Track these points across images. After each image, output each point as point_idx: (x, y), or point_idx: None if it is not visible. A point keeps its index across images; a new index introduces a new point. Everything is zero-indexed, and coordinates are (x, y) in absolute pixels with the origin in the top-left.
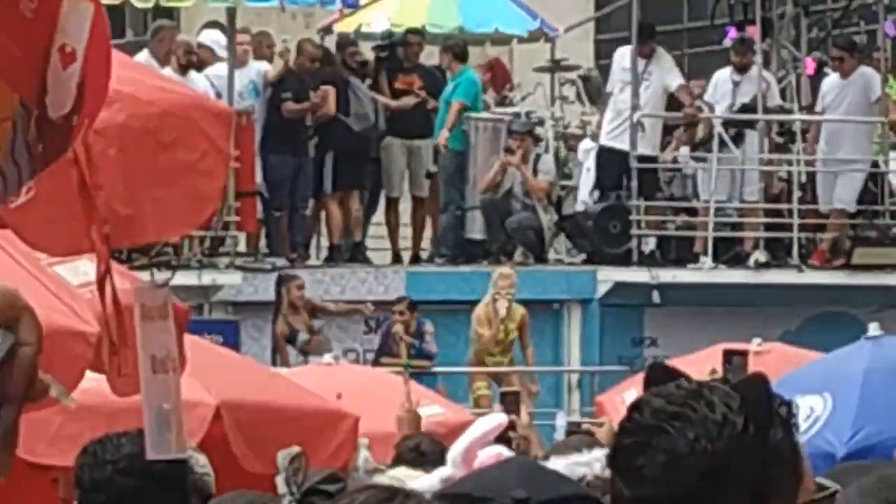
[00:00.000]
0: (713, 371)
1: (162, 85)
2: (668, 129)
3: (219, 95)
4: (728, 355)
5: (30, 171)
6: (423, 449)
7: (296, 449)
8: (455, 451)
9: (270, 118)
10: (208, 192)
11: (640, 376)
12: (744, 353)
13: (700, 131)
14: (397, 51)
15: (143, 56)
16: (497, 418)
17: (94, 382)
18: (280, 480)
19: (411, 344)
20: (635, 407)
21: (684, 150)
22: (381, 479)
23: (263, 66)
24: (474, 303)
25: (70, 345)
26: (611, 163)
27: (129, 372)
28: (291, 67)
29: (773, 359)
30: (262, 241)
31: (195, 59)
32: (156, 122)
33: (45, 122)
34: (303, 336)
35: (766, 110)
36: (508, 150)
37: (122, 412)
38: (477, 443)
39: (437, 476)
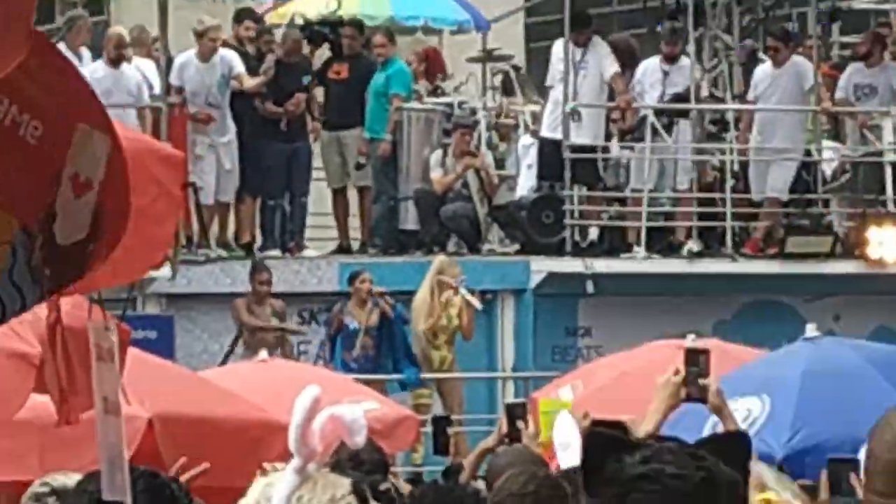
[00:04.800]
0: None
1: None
2: (615, 120)
3: (151, 88)
4: (690, 354)
5: (35, 296)
6: (362, 457)
7: None
8: (292, 442)
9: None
10: (160, 237)
11: (576, 370)
12: (706, 352)
13: (628, 119)
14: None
15: (61, 48)
16: (309, 392)
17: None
18: None
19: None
20: None
21: (615, 140)
22: (257, 481)
23: (232, 57)
24: (408, 293)
25: (13, 366)
26: (551, 153)
27: (78, 420)
28: (281, 58)
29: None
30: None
31: (127, 53)
32: None
33: (54, 247)
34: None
35: (699, 99)
36: (471, 153)
37: (53, 427)
38: (305, 426)
39: (289, 470)
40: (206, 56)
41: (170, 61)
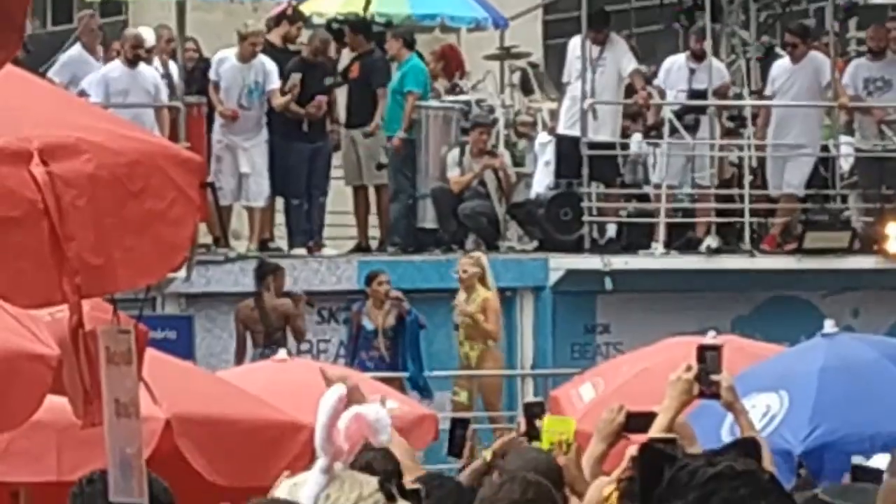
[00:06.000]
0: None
1: (130, 133)
2: (632, 116)
3: (170, 87)
4: (702, 351)
5: None
6: (374, 467)
7: None
8: (318, 441)
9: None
10: (178, 241)
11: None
12: (717, 349)
13: (650, 117)
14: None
15: (76, 50)
16: (334, 391)
17: (45, 400)
18: None
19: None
20: None
21: (636, 136)
22: (281, 481)
23: (269, 64)
24: (426, 291)
25: (30, 368)
26: (569, 151)
27: (102, 421)
28: (306, 58)
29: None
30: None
31: (143, 53)
32: (124, 171)
33: None
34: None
35: (717, 95)
36: (490, 153)
37: (72, 427)
38: (331, 425)
39: (316, 469)
40: (245, 58)
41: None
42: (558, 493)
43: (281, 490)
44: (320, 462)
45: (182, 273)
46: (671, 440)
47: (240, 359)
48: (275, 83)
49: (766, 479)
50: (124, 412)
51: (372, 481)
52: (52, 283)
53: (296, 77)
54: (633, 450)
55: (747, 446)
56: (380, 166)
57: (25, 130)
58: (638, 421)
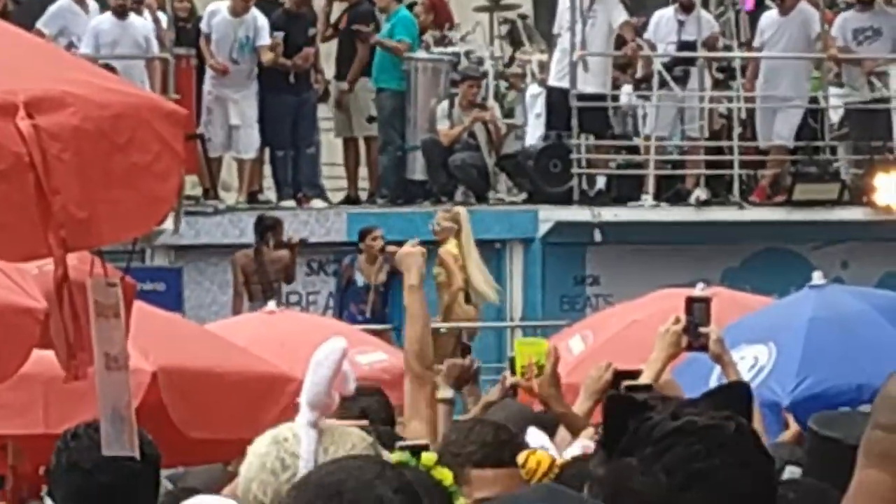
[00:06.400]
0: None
1: (115, 86)
2: (622, 67)
3: (159, 39)
4: (690, 303)
5: None
6: (369, 414)
7: None
8: (312, 396)
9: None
10: (163, 194)
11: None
12: (706, 301)
13: (640, 70)
14: None
15: (66, 1)
16: (336, 343)
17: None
18: None
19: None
20: None
21: (626, 88)
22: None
23: (261, 19)
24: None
25: (17, 321)
26: (559, 103)
27: (86, 375)
28: (289, 9)
29: (718, 303)
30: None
31: (130, 3)
32: (109, 124)
33: None
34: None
35: (706, 47)
36: (480, 105)
37: (59, 380)
38: (335, 378)
39: (305, 425)
40: (237, 12)
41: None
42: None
43: (265, 445)
44: (309, 416)
45: (169, 225)
46: (647, 387)
47: (238, 308)
48: (265, 39)
49: (730, 431)
50: (114, 365)
51: (356, 431)
52: (37, 236)
53: (278, 36)
54: None
55: (736, 391)
56: (370, 119)
57: (11, 84)
58: (626, 378)
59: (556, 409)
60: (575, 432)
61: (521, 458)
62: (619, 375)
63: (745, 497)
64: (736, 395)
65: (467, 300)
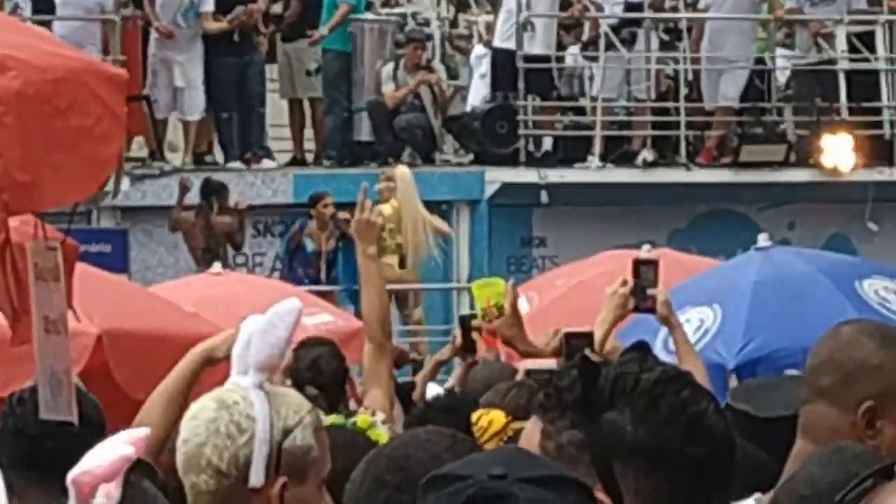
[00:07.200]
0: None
1: (56, 50)
2: (568, 28)
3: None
4: (637, 265)
5: None
6: (321, 366)
7: None
8: (266, 357)
9: None
10: (105, 157)
11: (531, 281)
12: (653, 263)
13: (587, 31)
14: None
15: None
16: (292, 304)
17: None
18: None
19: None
20: None
21: (572, 49)
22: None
23: None
24: None
25: None
26: (505, 64)
27: (31, 339)
28: None
29: (664, 265)
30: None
31: None
32: (51, 87)
33: None
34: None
35: (652, 8)
36: (427, 68)
37: (3, 344)
38: (290, 339)
39: (253, 387)
40: None
41: None
42: None
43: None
44: (255, 378)
45: (110, 187)
46: (588, 334)
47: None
48: (209, 6)
49: (693, 378)
50: (53, 329)
51: (293, 391)
52: None
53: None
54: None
55: (643, 347)
56: (308, 73)
57: None
58: (576, 342)
59: (519, 348)
60: None
61: (474, 416)
62: (570, 338)
63: (726, 437)
64: (643, 353)
65: (401, 265)
